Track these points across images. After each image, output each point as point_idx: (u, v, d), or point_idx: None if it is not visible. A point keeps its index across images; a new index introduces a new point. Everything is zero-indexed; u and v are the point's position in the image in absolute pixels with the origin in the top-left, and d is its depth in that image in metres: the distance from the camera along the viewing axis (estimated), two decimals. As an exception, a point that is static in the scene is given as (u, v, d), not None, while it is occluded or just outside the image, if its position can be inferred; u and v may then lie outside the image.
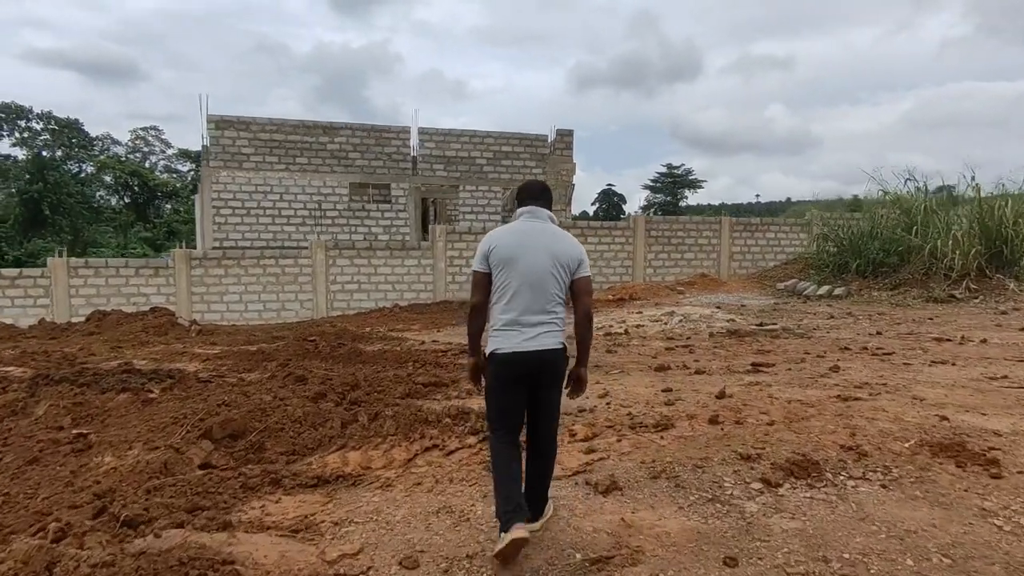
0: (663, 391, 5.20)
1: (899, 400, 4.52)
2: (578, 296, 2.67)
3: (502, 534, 2.43)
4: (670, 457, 3.62)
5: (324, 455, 4.26)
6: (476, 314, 2.69)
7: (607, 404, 4.86)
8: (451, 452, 4.10)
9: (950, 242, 11.16)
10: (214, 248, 17.13)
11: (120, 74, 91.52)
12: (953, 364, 5.78)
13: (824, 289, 12.46)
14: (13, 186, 37.47)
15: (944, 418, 4.03)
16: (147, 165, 47.21)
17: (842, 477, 3.28)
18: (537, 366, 2.57)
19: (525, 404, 2.66)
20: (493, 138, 19.59)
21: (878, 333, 7.93)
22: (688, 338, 8.27)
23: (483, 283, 2.65)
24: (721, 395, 4.81)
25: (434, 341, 9.60)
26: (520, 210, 2.79)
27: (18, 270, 14.17)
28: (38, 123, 43.41)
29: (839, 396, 4.65)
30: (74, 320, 13.24)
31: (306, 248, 15.25)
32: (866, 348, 6.90)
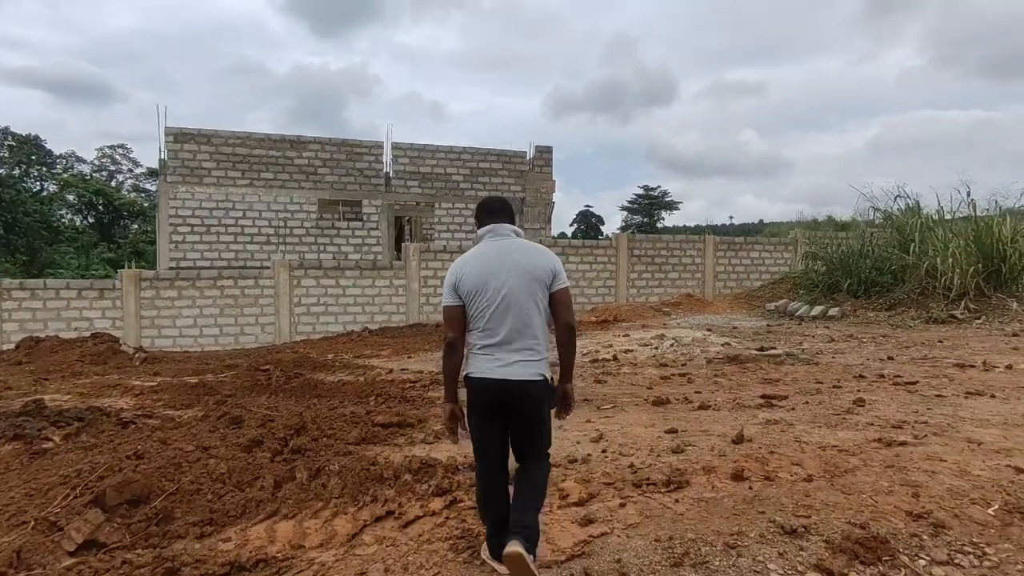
0: (667, 432, 4.39)
1: (953, 445, 3.77)
2: (558, 309, 2.51)
3: (497, 565, 2.37)
4: (691, 531, 2.79)
5: (247, 526, 3.34)
6: (451, 351, 2.49)
7: (603, 451, 4.02)
8: (409, 522, 3.21)
9: (949, 260, 10.68)
10: (169, 268, 15.99)
11: (94, 94, 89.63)
12: (992, 396, 5.09)
13: (817, 310, 11.89)
14: (-34, 205, 35.64)
15: (1020, 470, 3.28)
16: (113, 184, 45.51)
17: (923, 561, 2.48)
18: (512, 396, 2.42)
19: (506, 435, 2.51)
20: (470, 154, 18.91)
21: (890, 358, 7.26)
22: (683, 364, 7.50)
23: (457, 317, 2.49)
24: (739, 439, 4.01)
25: (403, 370, 8.68)
26: (481, 231, 2.60)
27: (-55, 292, 12.86)
28: (-8, 139, 41.65)
29: (879, 440, 3.88)
30: (5, 348, 11.98)
31: (268, 268, 14.23)
32: (883, 376, 6.20)
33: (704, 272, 17.16)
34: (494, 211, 2.64)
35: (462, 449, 4.32)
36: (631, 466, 3.66)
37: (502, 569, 2.34)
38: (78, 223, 41.98)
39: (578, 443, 4.25)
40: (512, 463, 2.60)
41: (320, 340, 13.36)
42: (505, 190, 19.16)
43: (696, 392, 5.87)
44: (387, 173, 18.24)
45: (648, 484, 3.38)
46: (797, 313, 12.21)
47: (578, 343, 10.73)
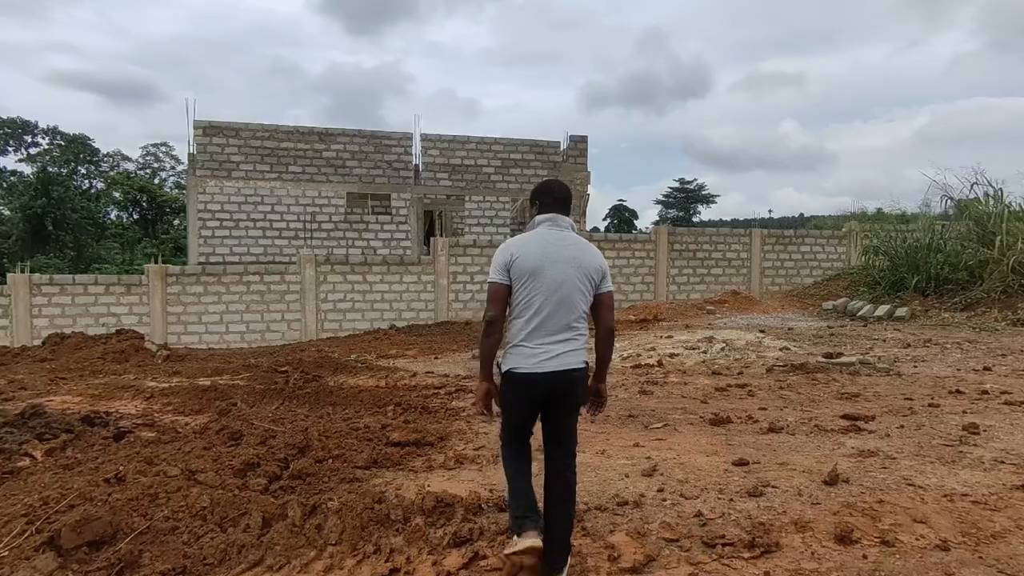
0: (736, 465, 3.60)
1: None
2: (601, 311, 2.52)
3: (515, 537, 2.38)
4: (796, 627, 2.03)
5: (224, 580, 2.73)
6: (492, 330, 2.44)
7: (659, 490, 3.26)
8: (418, 587, 2.54)
9: (1044, 255, 9.45)
10: (199, 263, 15.81)
11: (141, 96, 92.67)
12: None
13: (883, 309, 10.77)
14: (17, 202, 36.86)
15: None
16: (156, 181, 46.53)
17: None
18: (558, 386, 2.41)
19: (537, 419, 2.52)
20: (501, 145, 18.20)
21: (986, 369, 6.26)
22: (739, 373, 6.65)
23: (502, 296, 2.44)
24: (832, 480, 3.20)
25: (428, 372, 8.06)
26: (540, 217, 2.54)
27: (-22, 287, 12.88)
28: (43, 138, 43.01)
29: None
30: (35, 343, 11.88)
31: (294, 263, 13.84)
32: (986, 392, 5.24)
33: (750, 268, 16.07)
34: (558, 199, 2.58)
35: (487, 479, 3.65)
36: (698, 515, 2.90)
37: (516, 542, 2.35)
38: (124, 219, 43.08)
39: (626, 476, 3.51)
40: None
41: (346, 338, 12.90)
42: (538, 181, 18.38)
43: (760, 409, 5.05)
44: (416, 165, 17.70)
45: (724, 544, 2.62)
46: (860, 313, 11.11)
47: (617, 344, 9.94)
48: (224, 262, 16.04)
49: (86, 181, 43.99)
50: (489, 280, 2.46)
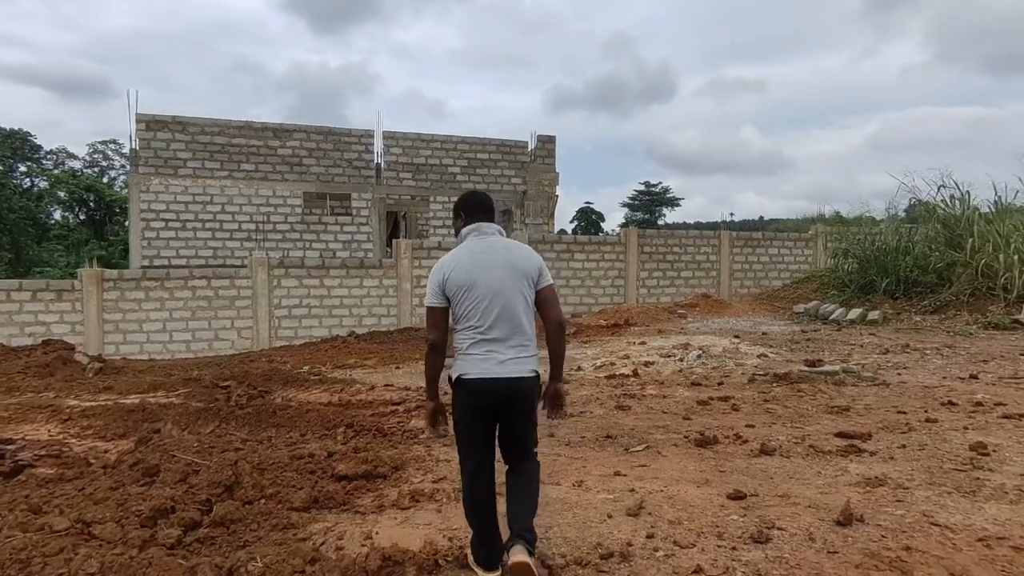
0: (732, 499, 3.15)
1: None
2: (546, 306, 2.50)
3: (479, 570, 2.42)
4: None
5: None
6: (435, 353, 2.44)
7: (648, 536, 2.77)
8: None
9: (1014, 257, 9.42)
10: (142, 267, 14.74)
11: (92, 92, 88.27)
12: None
13: (855, 313, 10.64)
14: (-52, 201, 34.46)
15: None
16: (105, 180, 44.19)
17: None
18: (508, 394, 2.39)
19: (494, 434, 2.48)
20: (468, 144, 17.63)
21: (972, 377, 6.02)
22: (720, 383, 6.26)
23: (440, 319, 2.45)
24: (846, 519, 2.76)
25: (387, 385, 7.45)
26: (465, 229, 2.54)
27: None
28: (-24, 132, 40.36)
29: (1060, 524, 2.64)
30: (-51, 356, 10.72)
31: (245, 267, 12.98)
32: (980, 403, 4.96)
33: (720, 270, 15.92)
34: (479, 209, 2.58)
35: (446, 522, 3.10)
36: (698, 571, 2.42)
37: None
38: (69, 220, 40.77)
39: (609, 517, 3.01)
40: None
41: (302, 347, 12.13)
42: (505, 182, 17.91)
43: (748, 426, 4.63)
44: (378, 164, 16.97)
45: (735, 615, 2.14)
46: (832, 316, 10.96)
47: (589, 352, 9.50)
48: (170, 265, 15.02)
49: (27, 180, 41.50)
50: (427, 304, 2.47)
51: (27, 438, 5.42)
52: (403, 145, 17.07)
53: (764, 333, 9.82)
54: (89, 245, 38.39)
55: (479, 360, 2.37)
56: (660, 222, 52.17)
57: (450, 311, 2.44)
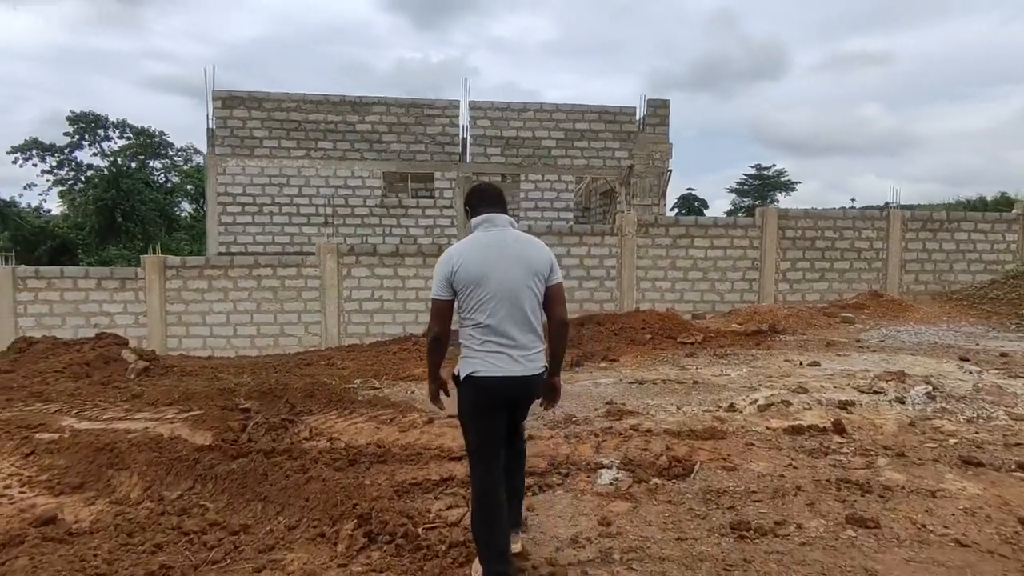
0: None
1: None
2: (553, 304, 2.47)
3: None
4: None
5: None
6: (436, 347, 2.46)
7: None
8: None
9: None
10: (219, 254, 13.90)
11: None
12: None
13: None
14: (91, 194, 37.52)
15: None
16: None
17: None
18: (520, 392, 2.43)
19: (506, 426, 2.48)
20: (564, 112, 15.25)
21: None
22: (999, 464, 3.52)
23: (446, 312, 2.44)
24: None
25: (451, 417, 5.37)
26: (476, 220, 2.52)
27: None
28: (114, 131, 43.63)
29: None
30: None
31: (312, 254, 11.56)
32: None
33: (886, 261, 12.44)
34: (489, 200, 2.54)
35: None
36: None
37: None
38: (197, 212, 43.28)
39: None
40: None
41: (370, 347, 10.48)
42: (608, 156, 15.34)
43: None
44: (464, 139, 15.06)
45: None
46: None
47: (733, 373, 6.94)
48: (246, 252, 14.08)
49: (162, 175, 44.48)
50: (432, 296, 2.43)
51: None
52: (491, 116, 15.02)
53: (1003, 353, 6.67)
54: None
55: (490, 358, 2.34)
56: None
57: (455, 304, 2.42)
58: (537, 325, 2.42)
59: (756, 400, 4.95)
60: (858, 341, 7.87)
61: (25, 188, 41.06)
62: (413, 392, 6.71)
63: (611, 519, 2.97)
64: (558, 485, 3.51)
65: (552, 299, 2.44)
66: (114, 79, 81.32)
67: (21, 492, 3.98)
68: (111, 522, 3.35)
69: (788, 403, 4.81)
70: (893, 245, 12.43)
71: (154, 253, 11.57)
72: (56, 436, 4.88)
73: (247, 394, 6.40)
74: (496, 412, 2.37)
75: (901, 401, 4.73)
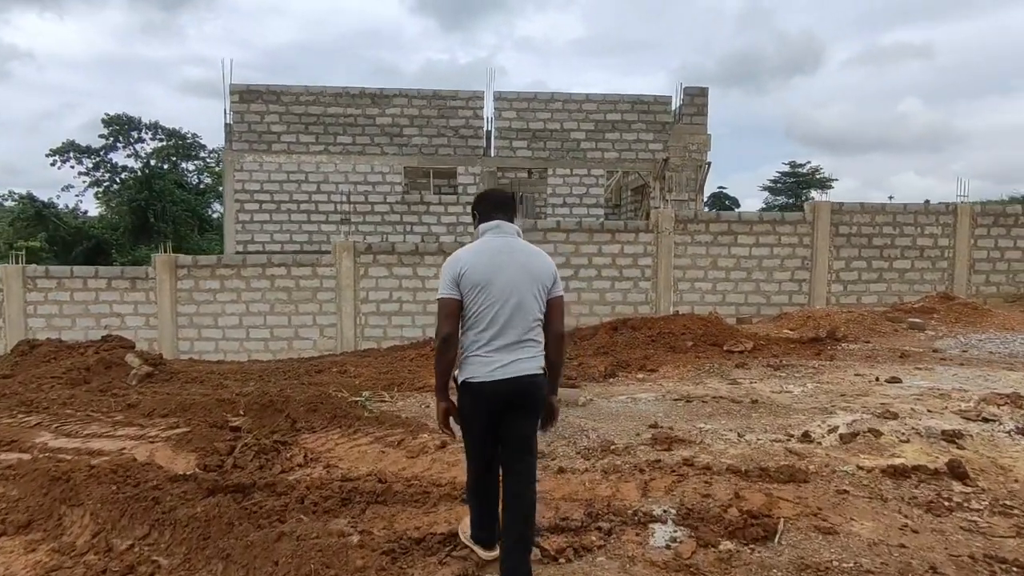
0: None
1: None
2: (552, 316, 2.48)
3: (486, 552, 2.52)
4: None
5: None
6: (446, 347, 2.42)
7: None
8: None
9: None
10: (236, 253, 13.46)
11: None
12: None
13: None
14: (124, 195, 38.11)
15: None
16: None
17: None
18: (513, 393, 2.37)
19: (498, 429, 2.45)
20: (595, 103, 14.39)
21: None
22: None
23: (454, 311, 2.41)
24: None
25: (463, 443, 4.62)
26: (484, 225, 2.53)
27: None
28: (147, 133, 44.27)
29: None
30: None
31: (328, 253, 10.97)
32: None
33: (953, 260, 11.28)
34: (497, 207, 2.54)
35: None
36: None
37: (485, 554, 2.52)
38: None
39: None
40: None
41: (387, 352, 9.82)
42: (641, 149, 14.43)
43: None
44: (488, 131, 14.33)
45: None
46: None
47: (796, 390, 6.03)
48: (264, 251, 13.62)
49: (195, 176, 45.00)
50: (439, 296, 2.43)
51: None
52: (517, 108, 14.25)
53: (1124, 370, 5.62)
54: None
55: (487, 362, 2.36)
56: (810, 207, 44.96)
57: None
58: (537, 333, 2.44)
59: (836, 427, 4.06)
60: (935, 351, 6.87)
61: (63, 190, 42.07)
62: (428, 406, 5.99)
63: (674, 609, 2.16)
64: (598, 547, 2.72)
65: (552, 311, 2.46)
66: (157, 84, 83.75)
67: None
68: (39, 583, 2.69)
69: (878, 432, 3.91)
70: (961, 243, 11.26)
71: (164, 252, 11.13)
72: (19, 458, 4.29)
73: (246, 406, 5.76)
74: (488, 416, 2.39)
75: (1005, 429, 3.80)
